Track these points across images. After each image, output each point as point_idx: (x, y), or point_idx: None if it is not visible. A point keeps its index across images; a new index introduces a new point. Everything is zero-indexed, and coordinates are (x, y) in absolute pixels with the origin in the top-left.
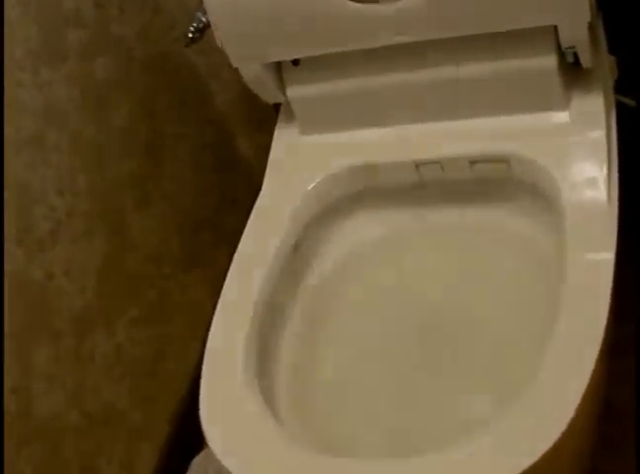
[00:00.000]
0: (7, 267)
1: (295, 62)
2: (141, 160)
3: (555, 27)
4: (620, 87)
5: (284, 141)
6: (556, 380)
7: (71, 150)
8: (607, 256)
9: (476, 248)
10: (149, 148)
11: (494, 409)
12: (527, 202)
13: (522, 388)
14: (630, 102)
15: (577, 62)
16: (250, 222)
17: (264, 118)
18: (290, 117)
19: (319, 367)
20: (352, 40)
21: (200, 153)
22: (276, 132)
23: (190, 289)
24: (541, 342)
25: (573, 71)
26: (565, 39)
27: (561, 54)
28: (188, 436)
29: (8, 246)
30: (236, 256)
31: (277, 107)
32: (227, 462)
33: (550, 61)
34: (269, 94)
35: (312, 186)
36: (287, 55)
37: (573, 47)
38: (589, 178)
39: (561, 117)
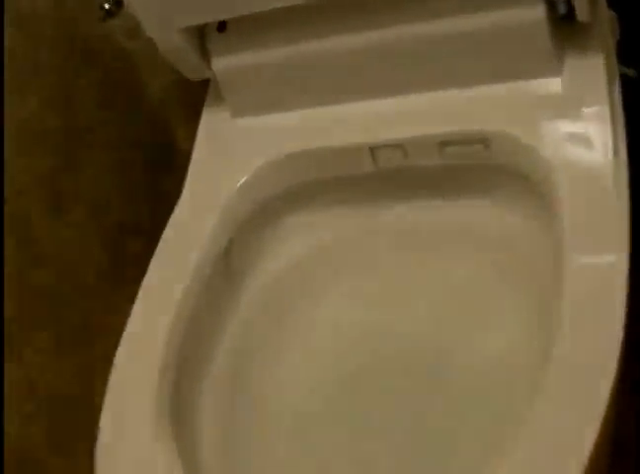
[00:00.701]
0: None
1: (221, 28)
2: (53, 157)
3: None
4: (617, 54)
5: (212, 126)
6: (556, 432)
7: None
8: (618, 259)
9: (448, 257)
10: (63, 143)
11: None
12: (512, 195)
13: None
14: (630, 71)
15: (570, 15)
16: (166, 231)
17: None
18: (220, 96)
19: (249, 418)
20: None
21: (127, 148)
22: (202, 116)
23: (117, 308)
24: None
25: (566, 27)
26: None
27: (551, 4)
28: None
29: None
30: (146, 277)
31: None
32: None
33: (537, 12)
34: (192, 68)
35: (243, 180)
36: (208, 15)
37: None
38: (590, 161)
39: (552, 85)
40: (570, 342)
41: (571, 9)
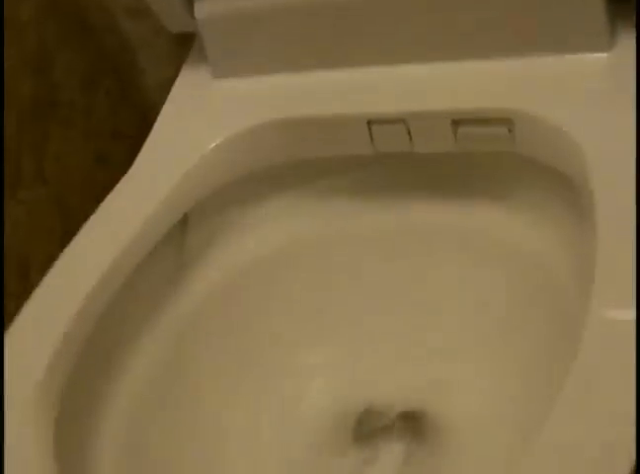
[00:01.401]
0: None
1: None
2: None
3: None
4: None
5: (189, 86)
6: None
7: None
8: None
9: (450, 275)
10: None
11: None
12: (534, 201)
13: None
14: None
15: None
16: (115, 188)
17: None
18: (202, 55)
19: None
20: None
21: (107, 138)
22: (180, 73)
23: None
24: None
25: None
26: None
27: None
28: None
29: None
30: (74, 241)
31: None
32: None
33: None
34: (174, 15)
35: (213, 145)
36: None
37: None
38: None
39: (598, 62)
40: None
41: None
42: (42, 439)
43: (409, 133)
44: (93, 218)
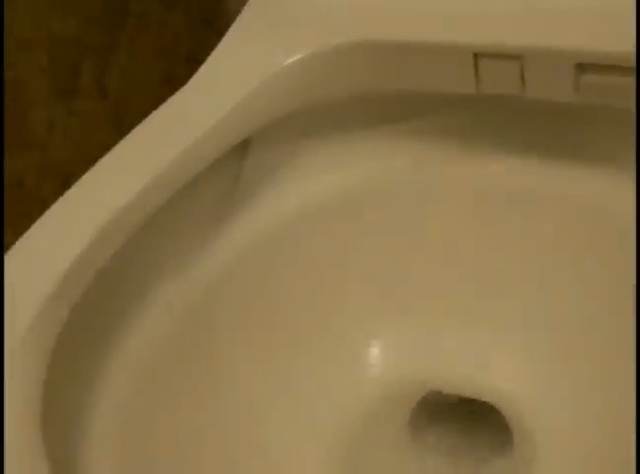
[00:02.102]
0: None
1: None
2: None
3: None
4: None
5: None
6: None
7: None
8: None
9: (545, 248)
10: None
11: None
12: None
13: None
14: None
15: None
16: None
17: None
18: None
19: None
20: None
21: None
22: None
23: None
24: None
25: None
26: None
27: None
28: None
29: None
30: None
31: None
32: None
33: None
34: None
35: (289, 62)
36: None
37: None
38: None
39: None
40: None
41: None
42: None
43: (522, 74)
44: (135, 131)
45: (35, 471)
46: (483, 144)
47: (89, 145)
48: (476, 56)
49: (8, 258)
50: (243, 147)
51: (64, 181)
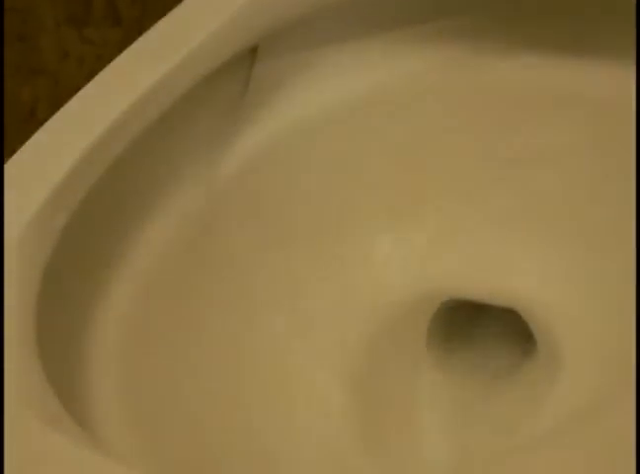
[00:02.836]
0: None
1: None
2: None
3: None
4: None
5: None
6: None
7: None
8: None
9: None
10: None
11: None
12: None
13: None
14: None
15: None
16: None
17: None
18: None
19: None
20: None
21: None
22: None
23: None
24: None
25: None
26: None
27: None
28: None
29: None
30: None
31: None
32: None
33: None
34: None
35: None
36: None
37: None
38: None
39: None
40: None
41: None
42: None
43: None
44: (140, 39)
45: (31, 382)
46: (492, 45)
47: None
48: None
49: (7, 168)
50: (252, 54)
51: None
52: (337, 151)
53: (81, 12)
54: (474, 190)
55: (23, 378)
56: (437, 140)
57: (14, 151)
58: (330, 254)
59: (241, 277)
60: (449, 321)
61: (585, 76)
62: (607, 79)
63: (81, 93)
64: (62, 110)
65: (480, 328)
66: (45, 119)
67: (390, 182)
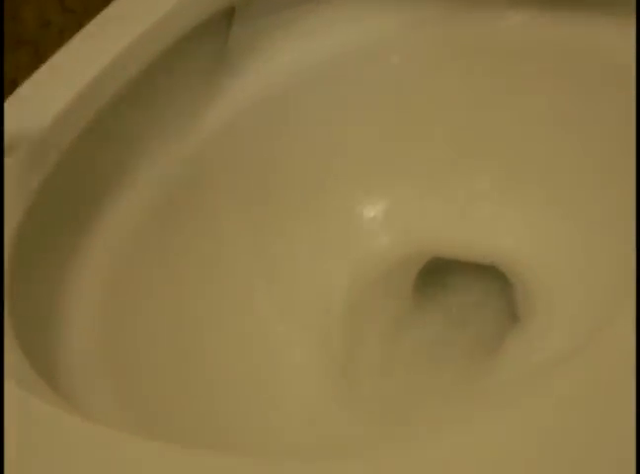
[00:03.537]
0: None
1: None
2: None
3: None
4: None
5: None
6: None
7: None
8: None
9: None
10: None
11: None
12: None
13: None
14: None
15: None
16: None
17: None
18: None
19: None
20: None
21: None
22: None
23: None
24: None
25: None
26: None
27: None
28: None
29: None
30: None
31: None
32: None
33: None
34: None
35: None
36: None
37: None
38: None
39: None
40: None
41: None
42: None
43: None
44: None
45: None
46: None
47: None
48: None
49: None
50: (229, 15)
51: None
52: (319, 106)
53: None
54: (463, 148)
55: None
56: (427, 93)
57: None
58: (315, 210)
59: (223, 233)
60: (436, 278)
61: (586, 30)
62: (607, 33)
63: (64, 49)
64: (47, 63)
65: (462, 287)
66: None
67: (375, 138)
